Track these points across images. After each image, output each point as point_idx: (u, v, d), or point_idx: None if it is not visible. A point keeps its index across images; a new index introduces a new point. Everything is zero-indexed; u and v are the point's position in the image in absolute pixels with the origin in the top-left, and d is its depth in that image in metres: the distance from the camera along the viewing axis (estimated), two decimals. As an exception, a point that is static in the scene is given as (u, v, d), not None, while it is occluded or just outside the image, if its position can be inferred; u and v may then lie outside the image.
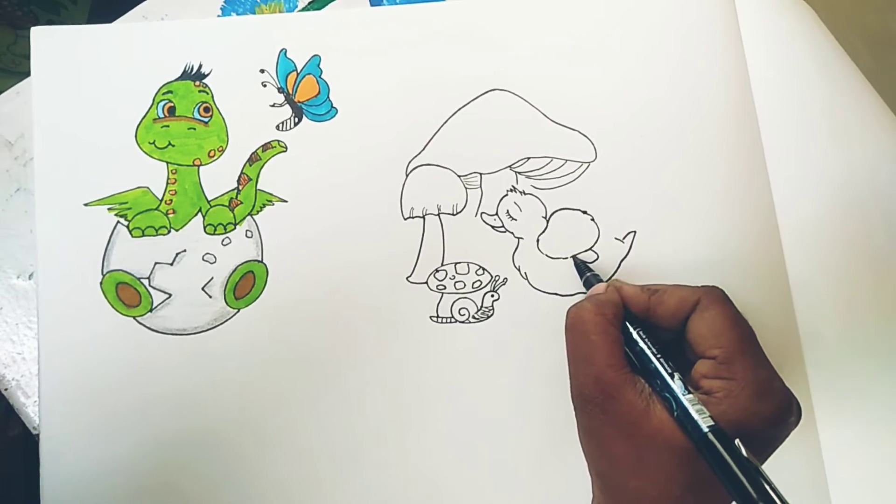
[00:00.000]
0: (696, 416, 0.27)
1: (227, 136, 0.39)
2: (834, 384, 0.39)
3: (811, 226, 0.40)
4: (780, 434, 0.29)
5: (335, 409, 0.37)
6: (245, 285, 0.38)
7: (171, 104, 0.39)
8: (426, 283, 0.39)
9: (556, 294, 0.39)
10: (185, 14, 0.42)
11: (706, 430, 0.27)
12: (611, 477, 0.29)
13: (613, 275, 0.39)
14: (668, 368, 0.29)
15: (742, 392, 0.28)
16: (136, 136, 0.39)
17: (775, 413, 0.28)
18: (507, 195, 0.40)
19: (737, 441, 0.26)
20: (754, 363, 0.29)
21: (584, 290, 0.38)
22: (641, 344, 0.31)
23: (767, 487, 0.25)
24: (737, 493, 0.25)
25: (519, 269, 0.39)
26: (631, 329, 0.31)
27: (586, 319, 0.31)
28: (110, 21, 0.41)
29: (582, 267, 0.38)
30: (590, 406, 0.29)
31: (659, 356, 0.30)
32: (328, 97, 0.40)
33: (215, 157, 0.39)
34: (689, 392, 0.28)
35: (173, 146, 0.39)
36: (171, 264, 0.38)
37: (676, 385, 0.28)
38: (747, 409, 0.28)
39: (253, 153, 0.39)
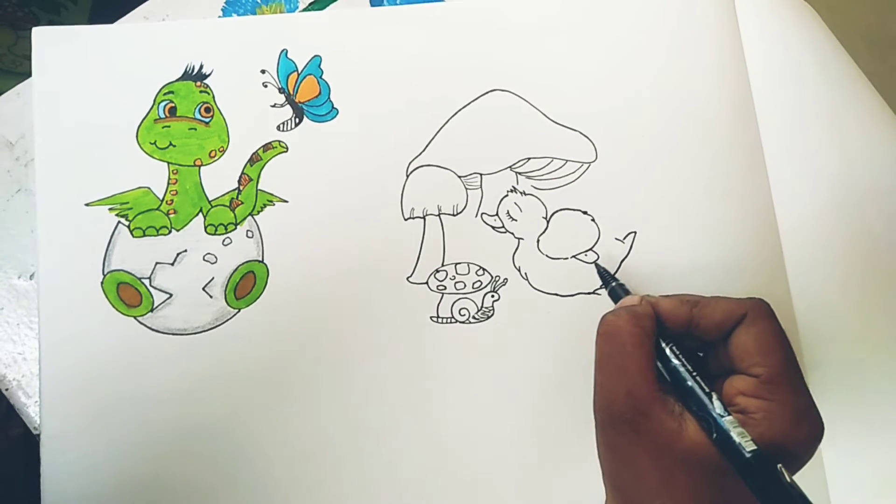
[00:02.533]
0: (737, 438, 0.26)
1: (228, 136, 0.39)
2: (834, 385, 0.39)
3: (811, 225, 0.40)
4: (808, 459, 0.28)
5: (335, 409, 0.37)
6: (246, 285, 0.38)
7: (172, 104, 0.39)
8: (426, 283, 0.39)
9: (556, 294, 0.39)
10: (186, 15, 0.43)
11: (749, 454, 0.26)
12: (633, 494, 0.28)
13: (616, 272, 0.39)
14: (704, 388, 0.28)
15: (782, 416, 0.27)
16: (137, 137, 0.39)
17: (809, 439, 0.28)
18: (507, 196, 0.40)
19: (779, 466, 0.26)
20: (796, 387, 0.28)
21: (584, 291, 0.38)
22: (675, 361, 0.29)
23: None
24: None
25: (519, 270, 0.39)
26: (664, 345, 0.30)
27: (623, 330, 0.29)
28: (111, 22, 0.41)
29: (606, 276, 0.36)
30: (618, 422, 0.28)
31: (695, 374, 0.29)
32: (329, 98, 0.40)
33: (216, 158, 0.39)
34: (729, 413, 0.27)
35: (174, 146, 0.39)
36: (172, 264, 0.38)
37: (716, 405, 0.27)
38: (785, 433, 0.27)
39: (254, 153, 0.39)
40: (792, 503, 0.25)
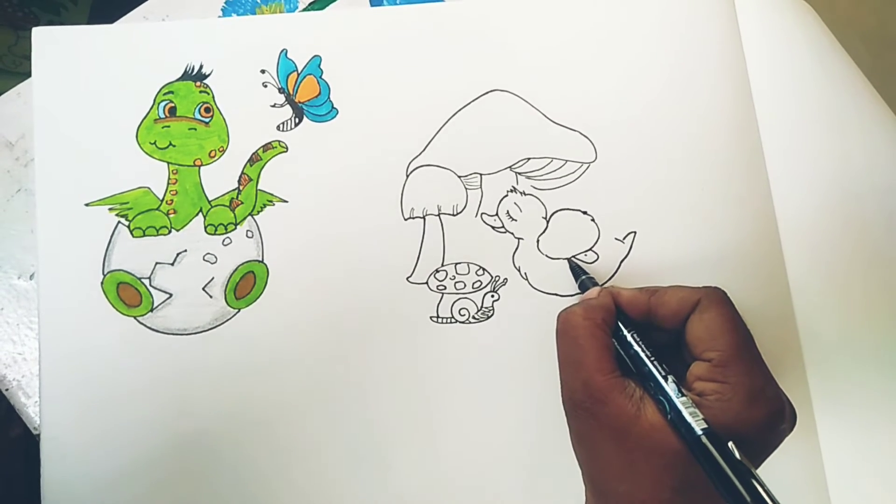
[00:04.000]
0: (689, 418, 0.27)
1: (228, 136, 0.39)
2: (833, 384, 0.39)
3: (811, 226, 0.40)
4: (772, 440, 0.29)
5: (335, 409, 0.37)
6: (245, 285, 0.38)
7: (172, 104, 0.39)
8: (426, 283, 0.39)
9: (556, 294, 0.39)
10: (186, 15, 0.43)
11: (700, 432, 0.26)
12: (601, 481, 0.29)
13: (613, 276, 0.39)
14: (661, 371, 0.29)
15: (735, 397, 0.28)
16: (136, 137, 0.39)
17: (767, 419, 0.28)
18: (507, 196, 0.40)
19: (730, 444, 0.26)
20: (749, 368, 0.29)
21: (581, 291, 0.38)
22: (635, 346, 0.31)
23: (761, 490, 0.25)
24: (730, 495, 0.25)
25: (519, 270, 0.39)
26: (625, 332, 0.31)
27: (575, 324, 0.31)
28: (111, 21, 0.41)
29: (577, 269, 0.38)
30: (579, 410, 0.30)
31: (652, 358, 0.30)
32: (329, 98, 0.40)
33: (216, 158, 0.39)
34: (683, 394, 0.28)
35: (174, 146, 0.39)
36: (172, 264, 0.38)
37: (670, 387, 0.28)
38: (738, 414, 0.28)
39: (254, 153, 0.39)
40: (742, 481, 0.25)
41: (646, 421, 0.28)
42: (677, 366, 0.30)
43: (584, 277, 0.37)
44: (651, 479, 0.27)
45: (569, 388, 0.30)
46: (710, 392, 0.28)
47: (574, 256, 0.39)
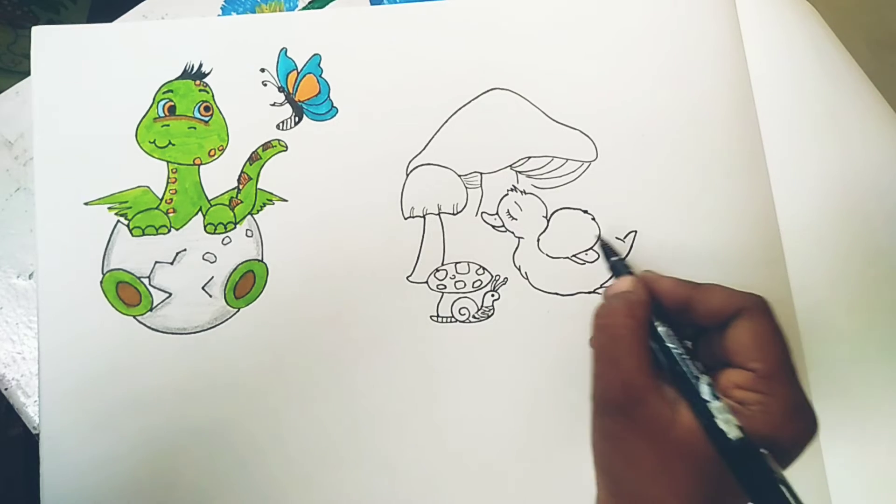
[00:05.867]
0: (723, 424, 0.26)
1: (228, 135, 0.39)
2: (834, 384, 0.39)
3: (811, 225, 0.40)
4: (800, 454, 0.29)
5: (335, 408, 0.37)
6: (245, 284, 0.38)
7: (172, 103, 0.39)
8: (426, 282, 0.39)
9: (557, 294, 0.39)
10: (186, 13, 0.42)
11: (733, 439, 0.26)
12: (628, 483, 0.28)
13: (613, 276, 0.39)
14: (695, 373, 0.28)
15: (777, 410, 0.27)
16: (136, 136, 0.39)
17: (804, 434, 0.28)
18: (507, 195, 0.40)
19: (764, 451, 0.26)
20: (791, 382, 0.28)
21: (584, 290, 0.38)
22: (669, 343, 0.30)
23: (793, 502, 0.25)
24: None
25: (519, 269, 0.39)
26: (660, 327, 0.30)
27: (616, 322, 0.30)
28: (110, 20, 0.41)
29: (608, 250, 0.37)
30: (613, 410, 0.29)
31: (687, 358, 0.29)
32: (328, 96, 0.40)
33: (216, 157, 0.39)
34: (717, 398, 0.27)
35: (174, 145, 0.39)
36: (172, 263, 0.38)
37: (704, 390, 0.28)
38: (778, 427, 0.27)
39: (253, 152, 0.39)
40: (775, 490, 0.25)
41: (682, 426, 0.27)
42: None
43: (614, 259, 0.36)
44: (686, 483, 0.27)
45: (604, 385, 0.30)
46: (752, 402, 0.28)
47: (574, 255, 0.39)
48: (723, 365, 0.30)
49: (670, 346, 0.29)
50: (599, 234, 0.38)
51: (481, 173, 0.40)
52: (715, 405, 0.27)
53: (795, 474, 0.35)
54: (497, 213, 0.39)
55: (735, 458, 0.26)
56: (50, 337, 0.37)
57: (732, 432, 0.26)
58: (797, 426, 0.28)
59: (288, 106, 0.40)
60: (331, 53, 0.40)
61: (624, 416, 0.28)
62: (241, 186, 0.39)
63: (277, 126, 0.40)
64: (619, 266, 0.35)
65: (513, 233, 0.39)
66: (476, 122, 0.40)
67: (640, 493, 0.28)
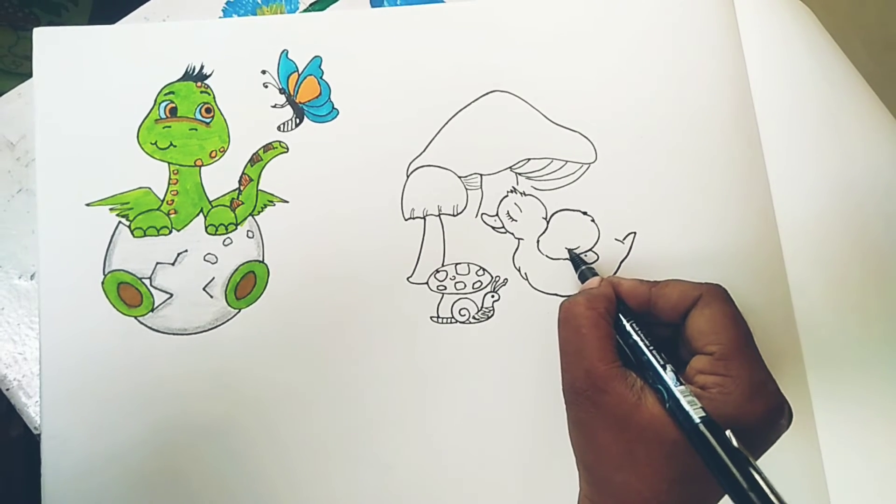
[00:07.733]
0: (687, 406, 0.27)
1: (229, 136, 0.39)
2: (833, 384, 0.39)
3: (810, 226, 0.40)
4: (770, 435, 0.29)
5: (335, 409, 0.37)
6: (246, 285, 0.38)
7: (173, 105, 0.39)
8: (427, 283, 0.39)
9: (556, 295, 0.39)
10: (187, 15, 0.43)
11: (697, 420, 0.27)
12: (598, 470, 0.29)
13: (615, 272, 0.39)
14: (660, 360, 0.30)
15: (736, 389, 0.28)
16: (137, 137, 0.39)
17: (767, 413, 0.29)
18: (507, 196, 0.40)
19: (728, 432, 0.26)
20: (750, 363, 0.29)
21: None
22: (635, 336, 0.31)
23: (758, 477, 0.25)
24: (727, 483, 0.26)
25: (519, 270, 0.39)
26: (624, 321, 0.32)
27: (578, 314, 0.31)
28: (112, 22, 0.42)
29: (577, 260, 0.38)
30: (580, 399, 0.30)
31: (651, 348, 0.30)
32: (329, 98, 0.40)
33: (217, 158, 0.39)
34: (681, 384, 0.28)
35: (175, 147, 0.39)
36: (173, 264, 0.38)
37: (668, 376, 0.29)
38: (740, 407, 0.28)
39: (254, 154, 0.39)
40: (740, 469, 0.25)
41: (646, 411, 0.28)
42: (675, 361, 0.30)
43: (583, 268, 0.37)
44: (649, 468, 0.28)
45: (570, 376, 0.31)
46: (711, 385, 0.29)
47: (570, 249, 0.39)
48: (692, 356, 0.31)
49: (636, 339, 0.31)
50: (569, 248, 0.39)
51: (481, 175, 0.40)
52: (678, 388, 0.28)
53: (795, 473, 0.35)
54: (497, 215, 0.40)
55: (700, 439, 0.27)
56: (51, 337, 0.37)
57: (696, 414, 0.27)
58: (758, 405, 0.28)
59: (289, 108, 0.40)
60: (332, 55, 0.41)
61: (589, 404, 0.29)
62: (242, 188, 0.39)
63: (278, 128, 0.40)
64: (587, 273, 0.37)
65: (512, 234, 0.39)
66: (476, 124, 0.40)
67: (608, 478, 0.29)
